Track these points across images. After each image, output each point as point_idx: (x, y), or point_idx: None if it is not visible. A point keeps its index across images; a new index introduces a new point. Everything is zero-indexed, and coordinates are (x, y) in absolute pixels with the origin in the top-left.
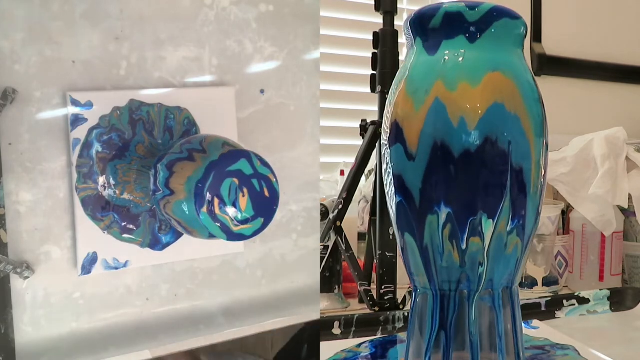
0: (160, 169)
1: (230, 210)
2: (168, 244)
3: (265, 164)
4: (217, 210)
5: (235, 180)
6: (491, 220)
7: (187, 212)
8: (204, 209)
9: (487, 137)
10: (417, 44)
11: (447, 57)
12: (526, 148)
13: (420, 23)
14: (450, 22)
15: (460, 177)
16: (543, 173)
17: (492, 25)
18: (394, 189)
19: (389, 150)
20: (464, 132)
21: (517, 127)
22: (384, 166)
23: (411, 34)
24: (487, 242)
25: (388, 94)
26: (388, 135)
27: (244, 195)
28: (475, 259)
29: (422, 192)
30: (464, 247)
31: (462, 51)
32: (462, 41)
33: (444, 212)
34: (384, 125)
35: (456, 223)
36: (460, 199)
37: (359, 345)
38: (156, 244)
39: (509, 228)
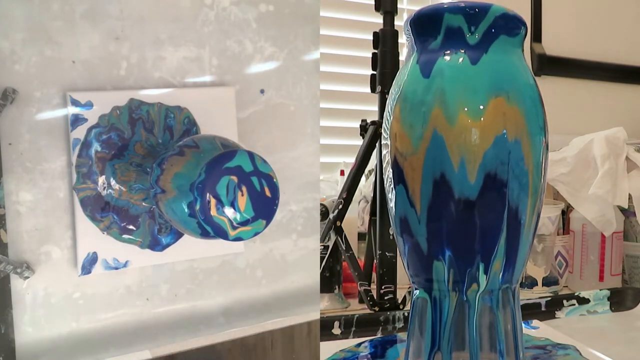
0: (154, 167)
1: (229, 212)
2: (168, 245)
3: (265, 162)
4: (213, 211)
5: (234, 178)
6: (485, 275)
7: (177, 212)
8: (197, 209)
9: (486, 177)
10: (413, 56)
11: (445, 75)
12: (524, 179)
13: (419, 32)
14: (449, 35)
15: (460, 223)
16: (543, 174)
17: (492, 44)
18: (400, 231)
19: (392, 191)
20: (464, 179)
21: (517, 155)
22: (390, 204)
23: (411, 35)
24: (482, 287)
25: (388, 94)
26: (391, 172)
27: (242, 195)
28: (474, 297)
29: (428, 240)
30: (464, 295)
31: (461, 64)
32: (462, 57)
33: (448, 257)
34: (383, 133)
35: (457, 271)
36: (460, 245)
37: (358, 345)
38: (156, 245)
39: (501, 278)
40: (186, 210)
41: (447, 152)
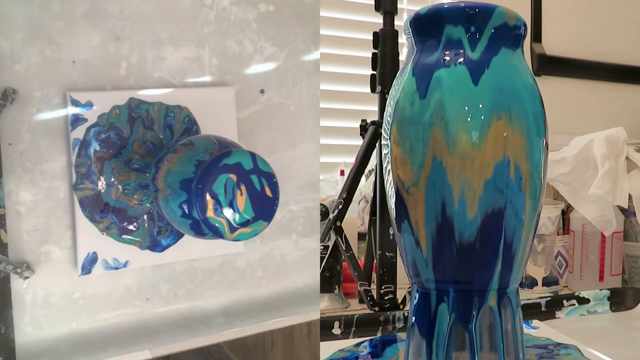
0: (152, 167)
1: (228, 212)
2: (168, 246)
3: (265, 161)
4: (210, 213)
5: (232, 177)
6: (481, 308)
7: (172, 211)
8: (195, 209)
9: (485, 211)
10: (410, 64)
11: (445, 93)
12: (521, 205)
13: (419, 32)
14: (449, 47)
15: (460, 261)
16: (543, 174)
17: (493, 57)
18: (412, 274)
19: (395, 221)
20: (464, 216)
21: (516, 177)
22: (398, 240)
23: (411, 35)
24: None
25: (388, 94)
26: (394, 202)
27: (242, 194)
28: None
29: (436, 284)
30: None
31: (462, 81)
32: (463, 73)
33: (451, 298)
34: (383, 134)
35: (458, 311)
36: (460, 284)
37: (358, 344)
38: (156, 246)
39: (497, 295)
40: (180, 210)
41: (447, 182)
